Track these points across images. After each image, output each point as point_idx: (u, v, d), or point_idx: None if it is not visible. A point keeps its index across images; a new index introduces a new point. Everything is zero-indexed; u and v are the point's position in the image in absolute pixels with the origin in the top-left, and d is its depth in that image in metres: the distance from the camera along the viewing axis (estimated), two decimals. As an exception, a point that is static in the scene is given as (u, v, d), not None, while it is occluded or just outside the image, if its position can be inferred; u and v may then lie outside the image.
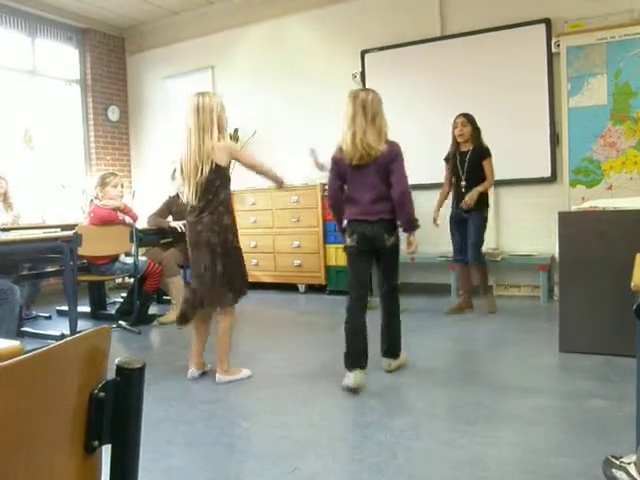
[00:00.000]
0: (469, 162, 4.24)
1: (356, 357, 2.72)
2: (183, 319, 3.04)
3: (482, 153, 4.23)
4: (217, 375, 2.98)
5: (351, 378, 2.67)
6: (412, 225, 2.86)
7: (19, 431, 0.52)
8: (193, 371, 3.06)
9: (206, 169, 2.84)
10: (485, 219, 4.31)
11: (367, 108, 2.79)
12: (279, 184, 3.26)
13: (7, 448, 0.51)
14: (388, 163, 2.77)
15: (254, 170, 3.09)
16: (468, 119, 4.25)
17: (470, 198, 4.16)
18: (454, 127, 4.30)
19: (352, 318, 2.78)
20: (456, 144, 4.32)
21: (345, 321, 2.79)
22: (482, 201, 4.24)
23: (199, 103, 2.87)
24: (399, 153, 2.83)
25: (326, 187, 4.71)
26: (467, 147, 4.28)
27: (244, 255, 3.16)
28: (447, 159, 4.43)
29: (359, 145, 2.74)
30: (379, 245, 2.82)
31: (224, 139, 2.98)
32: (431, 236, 5.30)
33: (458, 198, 4.30)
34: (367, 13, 5.61)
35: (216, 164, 2.85)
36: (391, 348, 2.97)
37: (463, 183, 4.27)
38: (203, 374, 3.08)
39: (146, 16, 6.76)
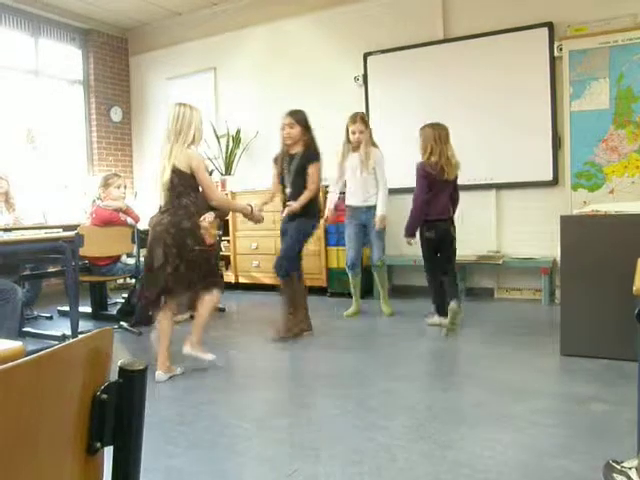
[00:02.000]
0: (295, 167, 3.82)
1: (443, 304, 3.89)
2: (145, 318, 3.17)
3: (309, 157, 3.79)
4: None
5: (444, 320, 3.82)
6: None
7: (22, 433, 0.52)
8: (160, 374, 3.04)
9: (168, 172, 3.03)
10: (304, 230, 3.84)
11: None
12: (248, 217, 3.58)
13: (10, 450, 0.51)
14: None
15: (206, 193, 3.20)
16: (296, 119, 3.82)
17: (288, 210, 3.78)
18: (281, 128, 3.88)
19: (436, 277, 3.98)
20: (286, 146, 3.89)
21: (432, 279, 4.00)
22: (307, 209, 3.79)
23: (179, 112, 3.09)
24: None
25: (328, 189, 4.77)
26: (295, 150, 3.84)
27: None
28: (275, 160, 4.01)
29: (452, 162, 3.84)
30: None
31: (193, 149, 3.14)
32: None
33: (284, 205, 3.90)
34: (370, 16, 5.62)
35: (179, 169, 3.03)
36: (454, 293, 3.86)
37: (288, 189, 3.87)
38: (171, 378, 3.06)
39: (149, 17, 6.78)
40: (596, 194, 4.57)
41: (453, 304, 3.77)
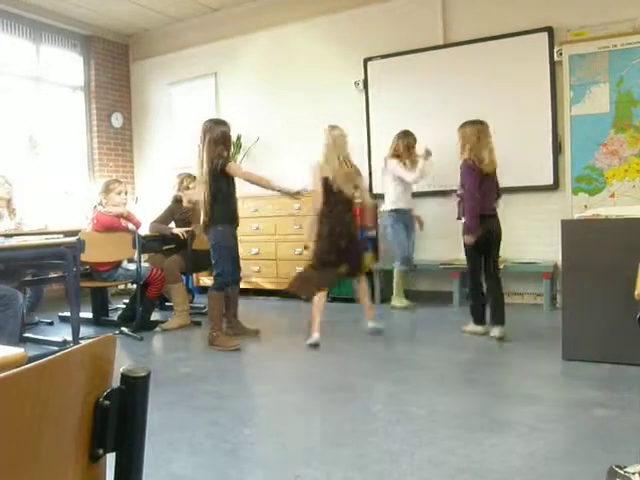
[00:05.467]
0: None
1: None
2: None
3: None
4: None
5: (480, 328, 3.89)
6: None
7: (24, 440, 0.52)
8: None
9: None
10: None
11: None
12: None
13: (12, 457, 0.51)
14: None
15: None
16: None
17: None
18: None
19: (480, 282, 3.86)
20: None
21: (477, 284, 3.86)
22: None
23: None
24: None
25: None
26: None
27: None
28: None
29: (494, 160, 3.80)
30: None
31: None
32: (433, 243, 5.31)
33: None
34: (370, 21, 5.63)
35: None
36: (501, 317, 3.77)
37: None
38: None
39: (150, 23, 6.80)
40: (597, 198, 4.57)
41: (498, 331, 3.72)
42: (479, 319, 3.90)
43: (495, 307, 3.81)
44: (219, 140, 3.74)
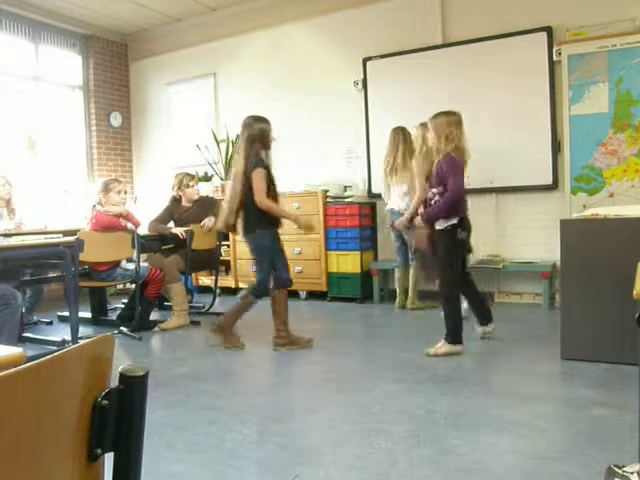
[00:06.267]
0: None
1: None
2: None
3: None
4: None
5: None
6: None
7: (22, 439, 0.52)
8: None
9: None
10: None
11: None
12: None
13: (11, 456, 0.51)
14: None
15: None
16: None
17: None
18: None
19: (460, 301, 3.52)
20: None
21: (457, 303, 3.46)
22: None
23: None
24: None
25: (328, 194, 4.84)
26: None
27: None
28: None
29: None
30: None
31: None
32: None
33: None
34: (369, 21, 5.63)
35: None
36: (489, 314, 3.68)
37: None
38: None
39: (149, 23, 6.80)
40: (596, 198, 4.58)
41: (482, 331, 3.66)
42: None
43: (481, 305, 3.68)
44: (257, 137, 3.60)
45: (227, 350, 3.76)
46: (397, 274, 5.02)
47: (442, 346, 3.40)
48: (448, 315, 3.42)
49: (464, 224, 3.39)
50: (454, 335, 3.40)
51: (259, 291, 3.68)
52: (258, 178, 3.50)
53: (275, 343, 3.69)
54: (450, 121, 3.37)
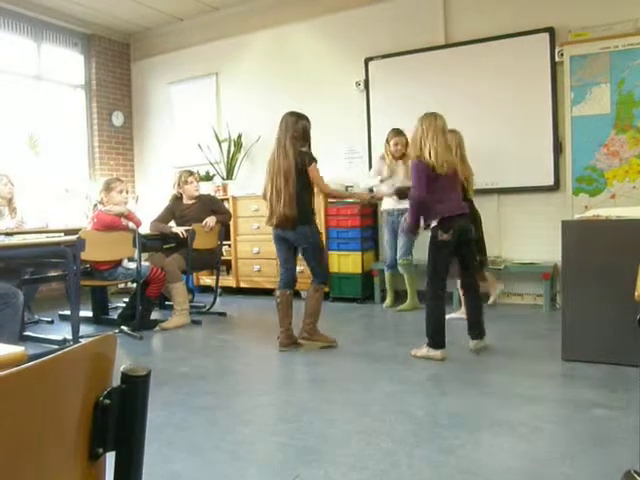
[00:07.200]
0: None
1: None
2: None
3: None
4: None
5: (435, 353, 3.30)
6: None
7: (24, 439, 0.52)
8: None
9: None
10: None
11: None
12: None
13: (12, 456, 0.51)
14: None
15: None
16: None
17: None
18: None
19: (442, 303, 3.34)
20: None
21: (437, 305, 3.31)
22: None
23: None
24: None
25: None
26: None
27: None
28: None
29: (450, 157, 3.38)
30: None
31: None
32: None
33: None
34: (371, 21, 5.63)
35: None
36: (481, 329, 3.49)
37: None
38: None
39: (151, 22, 6.81)
40: (597, 199, 4.57)
41: (474, 345, 3.44)
42: (438, 343, 3.31)
43: (473, 318, 3.47)
44: (300, 134, 3.66)
45: (225, 350, 3.75)
46: (386, 273, 5.08)
47: (422, 348, 3.37)
48: (426, 317, 3.35)
49: (446, 225, 3.28)
50: (431, 338, 3.31)
51: (327, 277, 3.96)
52: (316, 171, 3.69)
53: (302, 337, 3.77)
54: (424, 127, 3.31)
